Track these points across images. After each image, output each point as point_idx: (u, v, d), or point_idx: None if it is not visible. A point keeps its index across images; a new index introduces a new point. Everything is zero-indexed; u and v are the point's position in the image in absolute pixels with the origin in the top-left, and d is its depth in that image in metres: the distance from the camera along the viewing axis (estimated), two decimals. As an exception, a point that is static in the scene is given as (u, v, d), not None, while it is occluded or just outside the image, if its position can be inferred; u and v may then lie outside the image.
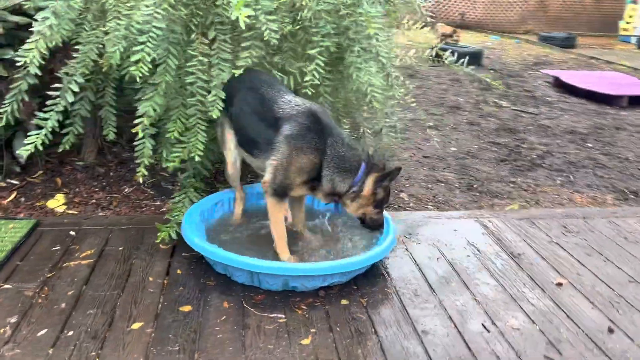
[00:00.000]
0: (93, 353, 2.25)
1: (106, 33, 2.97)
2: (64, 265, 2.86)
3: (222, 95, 2.93)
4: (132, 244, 3.10)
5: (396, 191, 4.27)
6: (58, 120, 3.01)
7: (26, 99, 3.05)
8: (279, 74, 3.26)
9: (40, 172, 3.93)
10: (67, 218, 3.44)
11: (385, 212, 3.01)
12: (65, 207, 3.60)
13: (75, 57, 3.07)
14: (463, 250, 3.22)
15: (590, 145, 5.74)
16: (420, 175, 4.70)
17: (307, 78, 3.08)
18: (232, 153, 3.13)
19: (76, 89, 3.04)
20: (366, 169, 2.80)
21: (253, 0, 2.66)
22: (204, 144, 3.10)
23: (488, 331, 2.50)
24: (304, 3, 3.05)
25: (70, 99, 3.03)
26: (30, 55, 2.70)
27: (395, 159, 5.01)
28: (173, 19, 2.98)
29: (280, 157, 2.79)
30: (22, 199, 3.65)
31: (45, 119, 2.96)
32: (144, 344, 2.32)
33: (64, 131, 3.30)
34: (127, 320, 2.46)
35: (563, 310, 2.68)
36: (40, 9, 2.94)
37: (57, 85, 3.03)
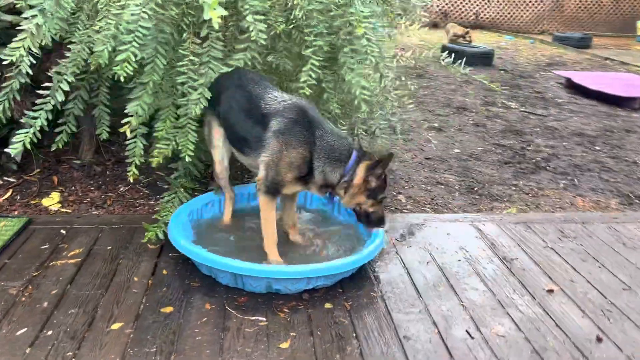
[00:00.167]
0: (70, 353, 2.24)
1: (98, 32, 2.97)
2: (51, 264, 2.87)
3: (208, 94, 2.93)
4: (121, 243, 3.10)
5: (394, 193, 4.23)
6: (48, 119, 3.01)
7: (18, 97, 3.06)
8: (273, 76, 3.25)
9: (38, 170, 3.96)
10: (60, 216, 3.45)
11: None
12: (60, 205, 3.62)
13: (67, 57, 3.08)
14: (455, 254, 3.17)
15: (598, 148, 5.63)
16: (420, 177, 4.64)
17: (303, 78, 3.06)
18: (219, 151, 3.11)
19: (66, 88, 3.04)
20: (357, 158, 2.75)
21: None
22: (195, 144, 3.10)
23: (472, 338, 2.45)
24: (295, 2, 3.03)
25: (60, 98, 3.03)
26: (17, 54, 2.71)
27: (396, 160, 4.97)
28: (162, 18, 2.97)
29: (271, 153, 2.77)
30: (18, 197, 3.68)
31: (34, 118, 2.97)
32: (121, 345, 2.31)
33: (57, 130, 3.32)
34: (107, 321, 2.45)
35: (551, 318, 2.62)
36: (32, 7, 2.95)
37: (47, 84, 3.04)
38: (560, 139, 5.87)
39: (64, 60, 3.07)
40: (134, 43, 2.71)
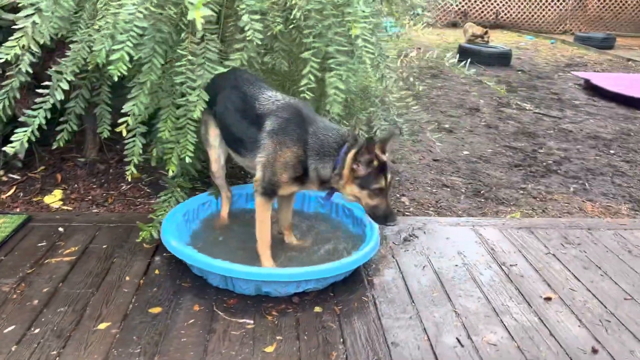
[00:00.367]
0: (54, 352, 2.25)
1: (98, 31, 2.98)
2: (46, 261, 2.88)
3: (206, 96, 2.91)
4: (117, 242, 3.10)
5: (398, 195, 4.18)
6: (47, 118, 3.03)
7: (18, 96, 3.08)
8: (273, 77, 3.22)
9: (42, 167, 3.99)
10: (60, 214, 3.48)
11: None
12: (61, 202, 3.65)
13: (68, 55, 3.10)
14: (452, 259, 3.11)
15: (612, 151, 5.51)
16: (426, 179, 4.58)
17: (303, 82, 3.02)
18: (215, 150, 3.11)
19: (66, 87, 3.05)
20: (347, 148, 2.67)
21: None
22: (194, 144, 3.09)
23: (462, 346, 2.40)
24: (294, 2, 3.00)
25: (60, 97, 3.04)
26: (12, 52, 2.72)
27: (403, 161, 4.92)
28: (160, 18, 2.96)
29: (266, 153, 2.75)
30: (21, 194, 3.72)
31: (33, 117, 2.98)
32: (106, 345, 2.30)
33: (58, 128, 3.35)
34: (95, 320, 2.45)
35: (546, 327, 2.55)
36: (32, 5, 2.96)
37: (46, 83, 3.06)
38: (574, 141, 5.75)
39: (64, 59, 3.09)
40: (128, 42, 2.71)
